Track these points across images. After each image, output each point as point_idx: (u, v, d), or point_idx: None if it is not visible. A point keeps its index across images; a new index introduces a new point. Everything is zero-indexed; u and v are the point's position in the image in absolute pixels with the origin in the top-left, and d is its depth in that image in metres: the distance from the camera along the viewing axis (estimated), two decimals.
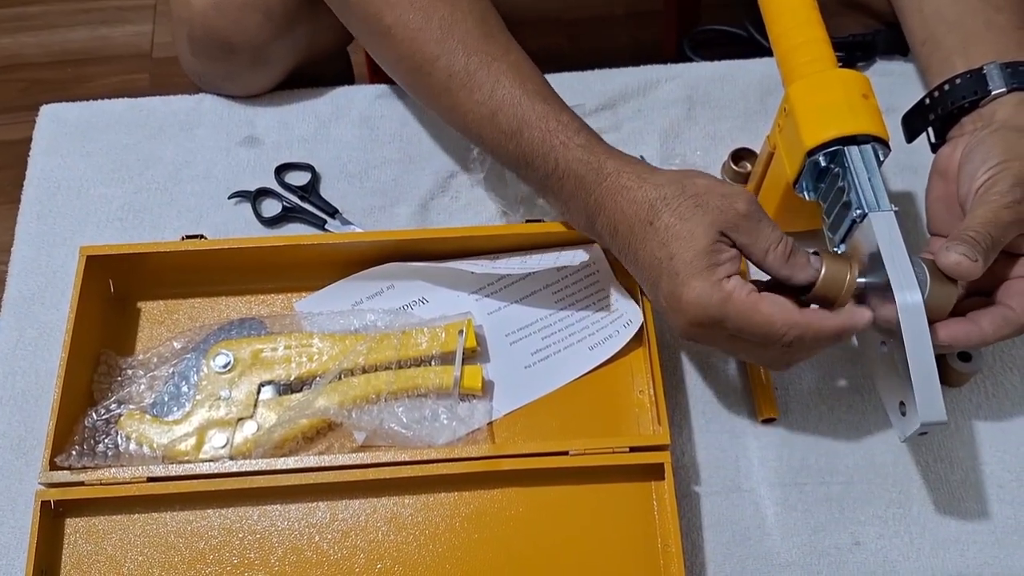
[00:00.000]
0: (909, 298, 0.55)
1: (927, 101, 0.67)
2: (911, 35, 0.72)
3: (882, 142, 0.61)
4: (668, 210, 0.58)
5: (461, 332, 0.67)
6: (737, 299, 0.55)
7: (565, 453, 0.62)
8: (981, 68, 0.64)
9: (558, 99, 0.65)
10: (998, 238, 0.57)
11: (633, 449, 0.62)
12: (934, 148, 0.68)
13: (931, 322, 0.55)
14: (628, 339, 0.69)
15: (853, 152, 0.60)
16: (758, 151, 0.72)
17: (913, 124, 0.69)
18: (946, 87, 0.65)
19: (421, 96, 0.70)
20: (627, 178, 0.60)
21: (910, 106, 0.69)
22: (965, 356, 0.68)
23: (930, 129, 0.68)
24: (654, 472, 0.63)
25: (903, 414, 0.57)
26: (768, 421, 0.68)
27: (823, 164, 0.62)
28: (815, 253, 0.59)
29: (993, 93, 0.63)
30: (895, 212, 0.58)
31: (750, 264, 0.59)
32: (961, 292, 0.58)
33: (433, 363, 0.67)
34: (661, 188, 0.59)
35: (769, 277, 0.59)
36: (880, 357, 0.61)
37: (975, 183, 0.60)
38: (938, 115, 0.66)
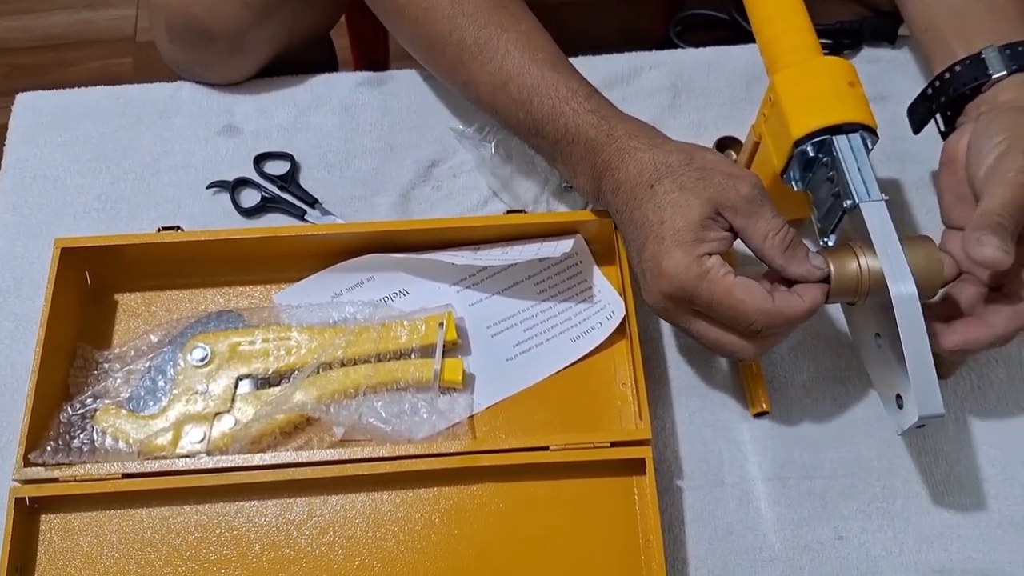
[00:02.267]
0: (904, 289, 0.54)
1: (929, 91, 0.66)
2: (912, 23, 0.71)
3: (870, 130, 0.60)
4: (671, 177, 0.58)
5: (441, 324, 0.66)
6: (713, 278, 0.55)
7: (545, 448, 0.61)
8: (980, 53, 0.63)
9: (569, 67, 0.66)
10: (1020, 220, 0.55)
11: (614, 444, 0.61)
12: (944, 136, 0.67)
13: (921, 301, 0.54)
14: (611, 331, 0.68)
15: (841, 141, 0.60)
16: (743, 139, 0.71)
17: (917, 114, 0.68)
18: (947, 75, 0.65)
19: (439, 72, 0.71)
20: (637, 141, 0.61)
21: (898, 93, 0.68)
22: None
23: (938, 117, 0.67)
24: (635, 467, 0.62)
25: (900, 407, 0.56)
26: (761, 415, 0.68)
27: (811, 154, 0.61)
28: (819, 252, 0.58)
29: (993, 77, 0.62)
30: (886, 201, 0.57)
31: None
32: (950, 275, 0.57)
33: (413, 356, 0.66)
34: (669, 155, 0.59)
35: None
36: (875, 350, 0.60)
37: (984, 164, 0.59)
38: (941, 104, 0.65)
